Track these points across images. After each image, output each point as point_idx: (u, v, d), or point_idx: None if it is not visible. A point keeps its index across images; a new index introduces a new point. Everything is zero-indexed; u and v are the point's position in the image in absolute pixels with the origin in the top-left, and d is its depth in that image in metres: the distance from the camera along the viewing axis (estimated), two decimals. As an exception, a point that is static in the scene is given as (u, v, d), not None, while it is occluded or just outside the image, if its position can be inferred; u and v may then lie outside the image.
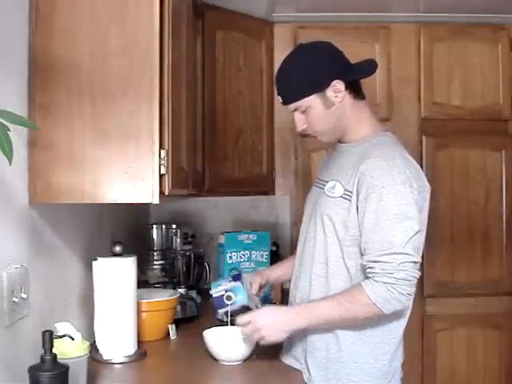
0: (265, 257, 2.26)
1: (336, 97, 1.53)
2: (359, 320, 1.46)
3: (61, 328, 1.29)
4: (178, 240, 2.48)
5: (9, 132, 0.90)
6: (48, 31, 1.38)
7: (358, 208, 1.47)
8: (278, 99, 1.60)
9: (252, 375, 1.59)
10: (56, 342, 1.18)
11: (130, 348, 1.67)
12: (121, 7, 1.38)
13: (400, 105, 2.74)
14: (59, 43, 1.38)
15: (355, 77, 1.57)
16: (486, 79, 2.76)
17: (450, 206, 2.71)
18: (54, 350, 1.13)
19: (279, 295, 2.54)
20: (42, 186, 1.38)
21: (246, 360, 1.64)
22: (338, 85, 1.53)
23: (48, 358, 1.12)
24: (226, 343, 1.65)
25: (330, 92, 1.53)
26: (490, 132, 2.77)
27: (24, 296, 1.33)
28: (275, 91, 1.63)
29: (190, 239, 2.53)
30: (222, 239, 2.22)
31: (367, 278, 1.44)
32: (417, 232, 1.42)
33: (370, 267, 1.42)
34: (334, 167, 1.62)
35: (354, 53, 2.69)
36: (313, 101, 1.53)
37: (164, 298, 1.92)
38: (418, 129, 2.74)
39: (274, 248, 2.72)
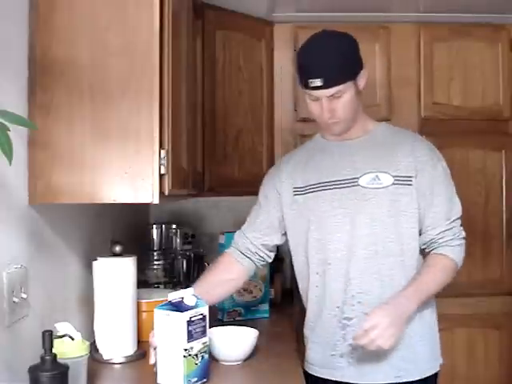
0: (265, 257, 2.26)
1: (363, 85, 1.57)
2: (447, 283, 1.57)
3: (61, 328, 1.29)
4: (178, 240, 2.48)
5: (9, 132, 0.90)
6: (48, 31, 1.38)
7: (419, 189, 1.55)
8: (310, 83, 1.51)
9: (252, 375, 1.59)
10: (56, 342, 1.18)
11: (130, 348, 1.67)
12: (121, 7, 1.38)
13: (400, 105, 2.73)
14: (59, 43, 1.38)
15: None
16: (486, 79, 2.75)
17: (450, 206, 2.71)
18: (54, 350, 1.13)
19: (279, 295, 2.55)
20: (42, 185, 1.38)
21: (246, 360, 1.65)
22: (365, 73, 1.57)
23: (48, 358, 1.11)
24: (226, 343, 1.65)
25: (360, 80, 1.56)
26: (489, 132, 2.77)
27: (24, 296, 1.33)
28: (297, 79, 1.57)
29: (190, 239, 2.53)
30: (222, 239, 2.21)
31: (435, 247, 1.56)
32: None
33: (441, 237, 1.55)
34: (348, 161, 1.60)
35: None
36: (350, 87, 1.54)
37: (164, 298, 1.91)
38: (418, 129, 2.74)
39: (274, 248, 2.72)
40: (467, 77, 2.76)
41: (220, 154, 2.45)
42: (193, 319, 1.40)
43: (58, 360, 1.14)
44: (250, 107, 2.59)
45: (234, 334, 1.74)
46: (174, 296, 1.44)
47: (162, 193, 1.40)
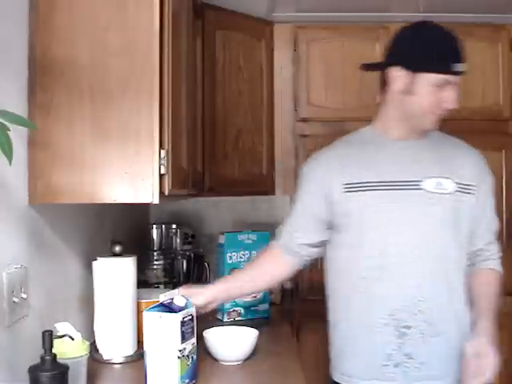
0: (265, 257, 2.26)
1: None
2: None
3: (61, 328, 1.29)
4: (178, 240, 2.48)
5: (9, 132, 0.90)
6: (48, 31, 1.38)
7: (478, 198, 1.57)
8: (455, 67, 1.50)
9: (252, 375, 1.59)
10: (56, 342, 1.18)
11: (130, 348, 1.67)
12: (121, 7, 1.38)
13: (400, 105, 2.73)
14: (59, 43, 1.38)
15: None
16: (486, 79, 2.75)
17: (450, 206, 2.71)
18: (54, 350, 1.13)
19: (279, 296, 2.55)
20: (42, 185, 1.38)
21: (246, 360, 1.64)
22: None
23: (48, 358, 1.11)
24: (226, 343, 1.65)
25: None
26: (489, 132, 2.76)
27: (24, 296, 1.33)
28: (449, 60, 1.50)
29: (190, 239, 2.53)
30: (221, 239, 2.21)
31: (481, 260, 1.59)
32: None
33: (487, 250, 1.60)
34: (412, 163, 1.53)
35: (354, 53, 2.73)
36: None
37: (164, 298, 1.92)
38: (418, 129, 2.74)
39: (274, 248, 2.72)
40: (467, 77, 2.72)
41: (220, 153, 2.45)
42: (185, 320, 1.40)
43: (58, 360, 1.14)
44: (250, 107, 2.60)
45: (234, 333, 1.74)
46: (165, 297, 1.43)
47: (162, 193, 1.40)
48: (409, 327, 1.49)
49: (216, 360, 1.64)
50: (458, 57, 1.50)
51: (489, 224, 1.62)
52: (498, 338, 1.49)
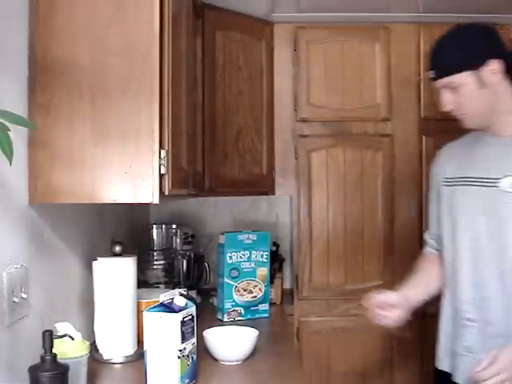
0: (265, 257, 2.26)
1: (491, 77, 1.47)
2: None
3: (61, 328, 1.29)
4: (178, 240, 2.48)
5: (9, 132, 0.90)
6: (48, 31, 1.38)
7: None
8: (426, 74, 1.56)
9: (252, 375, 1.59)
10: (56, 341, 1.18)
11: (130, 348, 1.67)
12: (121, 7, 1.38)
13: (400, 105, 2.73)
14: (59, 43, 1.38)
15: None
16: (486, 79, 2.76)
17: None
18: (54, 350, 1.13)
19: (279, 296, 2.55)
20: (42, 185, 1.38)
21: (245, 360, 1.65)
22: (495, 65, 1.46)
23: (48, 357, 1.11)
24: (226, 343, 1.65)
25: (485, 71, 1.46)
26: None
27: (24, 296, 1.33)
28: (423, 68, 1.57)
29: (190, 239, 2.53)
30: (221, 239, 2.21)
31: None
32: None
33: None
34: (493, 161, 1.51)
35: (354, 53, 2.73)
36: (466, 78, 1.47)
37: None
38: (417, 129, 2.74)
39: (274, 248, 2.72)
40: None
41: (220, 154, 2.45)
42: (185, 320, 1.40)
43: (58, 360, 1.14)
44: (250, 107, 2.59)
45: (234, 333, 1.74)
46: (165, 297, 1.43)
47: (162, 193, 1.40)
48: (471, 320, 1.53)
49: (216, 360, 1.64)
50: (428, 65, 1.56)
51: None
52: None
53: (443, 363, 1.63)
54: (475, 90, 1.48)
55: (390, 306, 1.58)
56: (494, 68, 1.47)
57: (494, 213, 1.49)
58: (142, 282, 2.17)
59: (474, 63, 1.47)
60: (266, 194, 2.77)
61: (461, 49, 1.49)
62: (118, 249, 1.68)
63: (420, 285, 1.69)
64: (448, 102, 1.54)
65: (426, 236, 1.77)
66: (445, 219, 1.62)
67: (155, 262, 2.39)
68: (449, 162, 1.64)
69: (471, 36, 1.50)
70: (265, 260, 2.27)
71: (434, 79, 1.54)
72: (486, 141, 1.56)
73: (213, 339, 1.66)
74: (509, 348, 1.38)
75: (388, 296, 1.60)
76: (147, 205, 2.62)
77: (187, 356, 1.40)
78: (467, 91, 1.49)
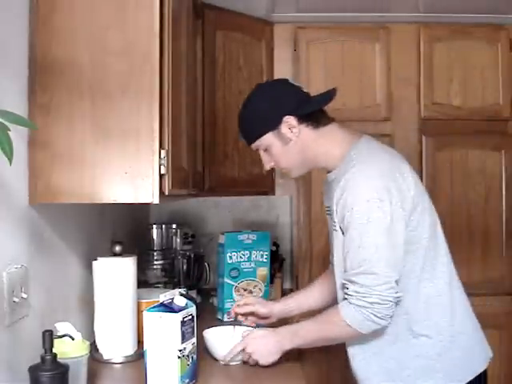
0: (265, 257, 2.26)
1: (291, 132, 1.53)
2: (343, 339, 1.53)
3: (61, 328, 1.29)
4: (178, 240, 2.48)
5: (9, 132, 0.90)
6: (48, 31, 1.38)
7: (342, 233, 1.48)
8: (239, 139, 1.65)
9: (252, 375, 1.59)
10: (56, 341, 1.18)
11: (130, 348, 1.67)
12: (120, 7, 1.38)
13: (400, 105, 2.74)
14: (59, 43, 1.38)
15: (308, 110, 1.53)
16: (486, 79, 2.76)
17: (449, 206, 2.71)
18: (54, 350, 1.13)
19: (279, 296, 2.55)
20: (42, 185, 1.38)
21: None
22: (290, 120, 1.52)
23: (48, 357, 1.11)
24: (225, 343, 1.65)
25: (284, 128, 1.52)
26: (489, 132, 2.77)
27: (24, 296, 1.33)
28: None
29: (190, 239, 2.53)
30: (221, 239, 2.21)
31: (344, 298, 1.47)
32: (394, 246, 1.40)
33: (346, 287, 1.44)
34: (329, 196, 1.56)
35: (354, 53, 2.73)
36: (270, 139, 1.55)
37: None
38: (418, 129, 2.74)
39: (274, 248, 2.72)
40: (467, 77, 2.76)
41: (220, 153, 2.45)
42: (185, 320, 1.40)
43: (58, 360, 1.14)
44: (250, 107, 2.59)
45: (234, 334, 1.74)
46: (165, 297, 1.43)
47: (162, 193, 1.40)
48: None
49: (216, 360, 1.64)
50: (239, 131, 1.63)
51: (344, 260, 1.46)
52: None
53: None
54: (282, 147, 1.55)
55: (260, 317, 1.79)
56: (290, 123, 1.52)
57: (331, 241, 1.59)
58: (142, 282, 2.17)
59: (270, 125, 1.53)
60: (266, 193, 2.77)
61: (257, 114, 1.55)
62: (118, 249, 1.68)
63: (298, 298, 1.84)
64: (266, 161, 1.61)
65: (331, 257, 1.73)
66: None
67: (155, 262, 2.39)
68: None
69: (263, 99, 1.55)
70: (265, 260, 2.26)
71: (248, 144, 1.61)
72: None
73: (213, 339, 1.66)
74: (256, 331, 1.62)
75: (255, 307, 1.78)
76: (147, 205, 2.62)
77: (187, 356, 1.40)
78: (276, 150, 1.56)
